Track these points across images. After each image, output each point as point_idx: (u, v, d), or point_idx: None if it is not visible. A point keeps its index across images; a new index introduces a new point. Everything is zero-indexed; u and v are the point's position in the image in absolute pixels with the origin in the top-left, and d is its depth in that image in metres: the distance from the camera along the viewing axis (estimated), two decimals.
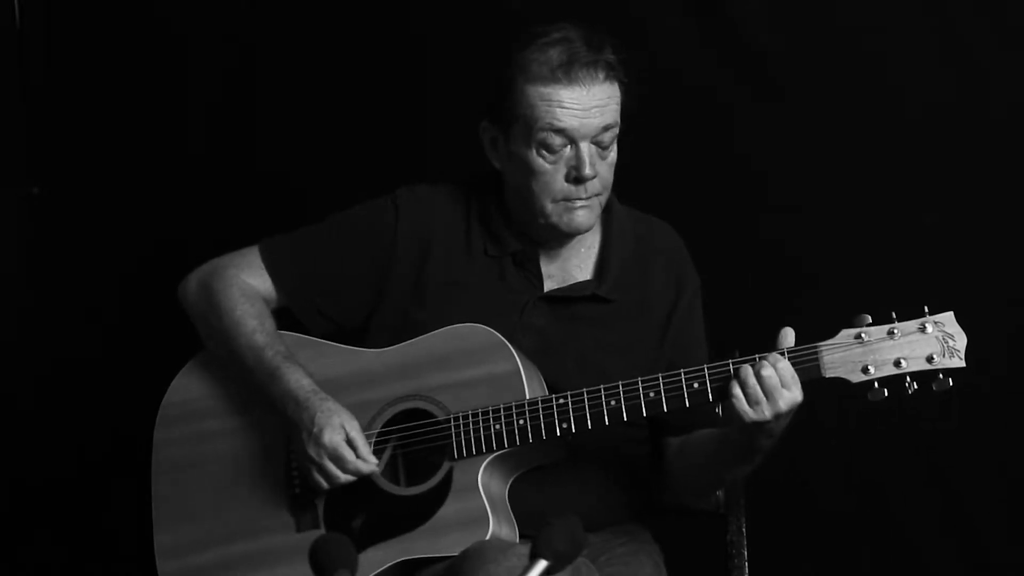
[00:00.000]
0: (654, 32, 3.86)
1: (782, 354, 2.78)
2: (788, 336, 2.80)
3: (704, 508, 3.18)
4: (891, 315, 2.77)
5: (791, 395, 2.78)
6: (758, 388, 2.77)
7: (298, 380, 2.96)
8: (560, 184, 2.93)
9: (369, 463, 2.92)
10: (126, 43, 4.12)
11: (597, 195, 2.95)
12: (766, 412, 2.78)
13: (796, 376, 2.78)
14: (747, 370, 2.78)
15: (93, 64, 4.12)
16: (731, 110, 3.88)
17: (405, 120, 4.02)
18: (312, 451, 2.92)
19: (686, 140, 3.85)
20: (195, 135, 4.11)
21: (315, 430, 2.91)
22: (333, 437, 2.90)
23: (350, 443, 2.91)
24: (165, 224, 4.11)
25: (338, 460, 2.91)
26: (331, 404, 2.93)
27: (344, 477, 2.92)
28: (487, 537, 2.84)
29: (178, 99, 4.11)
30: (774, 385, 2.77)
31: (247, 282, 3.07)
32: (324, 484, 2.93)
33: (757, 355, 2.80)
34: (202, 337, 3.10)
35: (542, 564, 2.30)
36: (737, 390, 2.78)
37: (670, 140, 3.78)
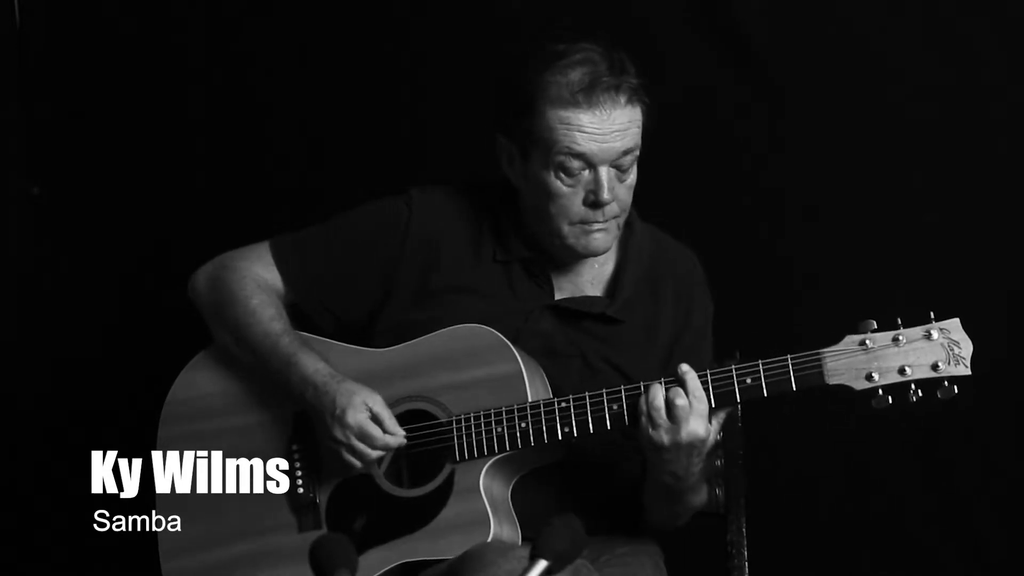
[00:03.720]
0: (655, 33, 3.86)
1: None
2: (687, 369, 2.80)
3: (704, 508, 3.17)
4: (896, 321, 2.76)
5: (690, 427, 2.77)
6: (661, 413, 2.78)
7: (315, 365, 2.96)
8: (578, 207, 2.92)
9: (397, 436, 2.91)
10: (126, 43, 4.12)
11: (615, 217, 2.94)
12: (664, 437, 2.78)
13: (702, 413, 2.77)
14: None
15: (93, 64, 4.12)
16: (731, 111, 3.88)
17: (406, 120, 4.02)
18: (338, 433, 2.91)
19: (685, 140, 3.85)
20: (196, 135, 4.11)
21: (338, 412, 2.91)
22: (357, 416, 2.90)
23: (375, 419, 2.91)
24: (165, 224, 4.11)
25: (365, 437, 2.91)
26: (350, 384, 2.93)
27: (374, 453, 2.91)
28: (488, 539, 2.84)
29: (179, 99, 4.11)
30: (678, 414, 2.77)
31: (260, 274, 3.07)
32: (356, 464, 2.92)
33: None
34: (213, 330, 3.09)
35: (542, 564, 2.31)
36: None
37: (667, 140, 3.77)
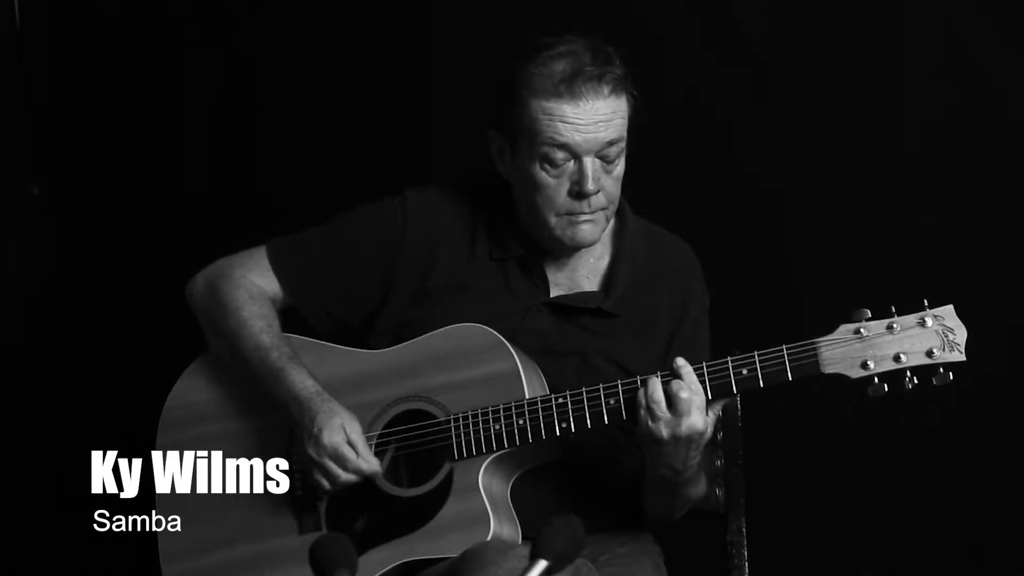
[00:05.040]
0: (656, 33, 3.86)
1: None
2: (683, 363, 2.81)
3: (704, 508, 3.17)
4: (891, 309, 2.76)
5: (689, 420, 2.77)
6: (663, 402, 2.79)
7: (302, 381, 2.96)
8: (563, 198, 2.92)
9: (371, 464, 2.92)
10: (126, 43, 4.12)
11: (603, 209, 2.94)
12: (663, 431, 2.78)
13: (700, 406, 2.77)
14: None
15: (93, 64, 4.12)
16: (730, 109, 3.88)
17: (406, 121, 4.02)
18: (312, 451, 2.92)
19: (684, 138, 3.85)
20: (196, 135, 4.11)
21: (315, 430, 2.92)
22: (333, 437, 2.91)
23: (350, 444, 2.91)
24: (165, 224, 4.11)
25: (339, 460, 2.91)
26: (333, 405, 2.94)
27: (345, 477, 2.92)
28: (488, 538, 2.84)
29: (178, 99, 4.11)
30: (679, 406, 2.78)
31: (254, 283, 3.07)
32: (326, 484, 2.93)
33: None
34: (207, 337, 3.10)
35: (542, 564, 2.31)
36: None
37: (667, 139, 3.78)
